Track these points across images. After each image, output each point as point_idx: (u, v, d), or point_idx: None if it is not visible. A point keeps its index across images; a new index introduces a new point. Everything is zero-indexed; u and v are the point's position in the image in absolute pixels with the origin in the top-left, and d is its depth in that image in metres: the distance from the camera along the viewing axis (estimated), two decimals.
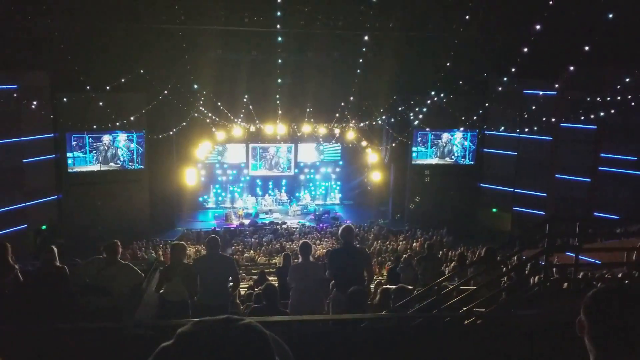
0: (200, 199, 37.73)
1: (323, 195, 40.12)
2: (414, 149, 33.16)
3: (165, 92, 26.76)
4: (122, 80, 24.99)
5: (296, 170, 39.10)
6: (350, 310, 7.28)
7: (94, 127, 27.53)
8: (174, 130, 29.13)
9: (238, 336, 1.33)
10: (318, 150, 38.85)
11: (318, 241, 28.02)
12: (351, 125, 32.35)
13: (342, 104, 29.60)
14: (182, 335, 1.35)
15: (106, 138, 29.46)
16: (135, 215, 30.03)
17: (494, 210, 33.00)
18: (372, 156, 35.06)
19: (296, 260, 10.00)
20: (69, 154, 28.77)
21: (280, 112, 30.26)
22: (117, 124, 27.65)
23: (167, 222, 31.85)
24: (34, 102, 25.09)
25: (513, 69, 23.81)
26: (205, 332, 1.34)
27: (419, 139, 33.10)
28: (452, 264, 21.82)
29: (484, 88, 30.31)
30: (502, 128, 30.84)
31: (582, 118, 28.07)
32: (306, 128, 32.44)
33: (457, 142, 33.46)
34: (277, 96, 28.75)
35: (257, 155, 37.95)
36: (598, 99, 26.77)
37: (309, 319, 7.01)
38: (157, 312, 8.93)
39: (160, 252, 25.11)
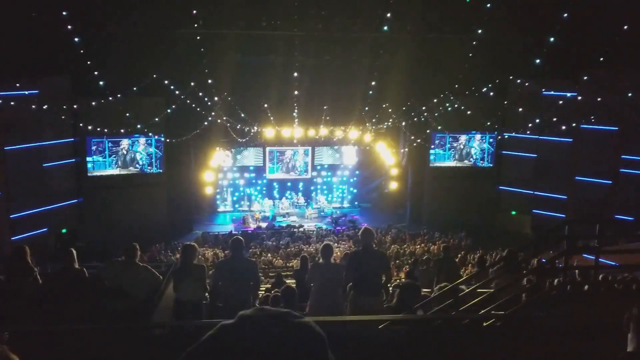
0: (218, 202, 37.91)
1: (340, 198, 40.22)
2: (432, 151, 33.00)
3: (183, 96, 26.94)
4: (141, 84, 25.22)
5: (313, 174, 39.16)
6: (400, 307, 7.38)
7: (114, 131, 27.83)
8: (192, 134, 29.33)
9: (297, 331, 1.35)
10: (335, 153, 38.91)
11: (335, 244, 27.97)
12: (368, 127, 32.32)
13: (360, 106, 29.56)
14: (243, 318, 1.37)
15: (125, 142, 29.72)
16: (153, 218, 30.22)
17: (513, 213, 32.68)
18: (390, 159, 34.94)
19: (316, 260, 10.09)
20: (88, 158, 29.07)
21: (297, 115, 30.31)
22: (137, 128, 27.91)
23: (185, 226, 32.02)
24: (55, 107, 25.41)
25: (532, 70, 23.60)
26: (267, 319, 1.36)
27: (437, 141, 32.93)
28: (471, 267, 21.72)
29: (502, 89, 30.07)
30: (521, 130, 30.56)
31: (603, 119, 27.72)
32: (323, 131, 32.46)
33: (475, 144, 33.22)
34: (295, 99, 28.80)
35: (274, 159, 38.05)
36: (619, 99, 26.41)
37: (329, 320, 7.00)
38: (172, 313, 8.99)
39: (179, 256, 25.31)
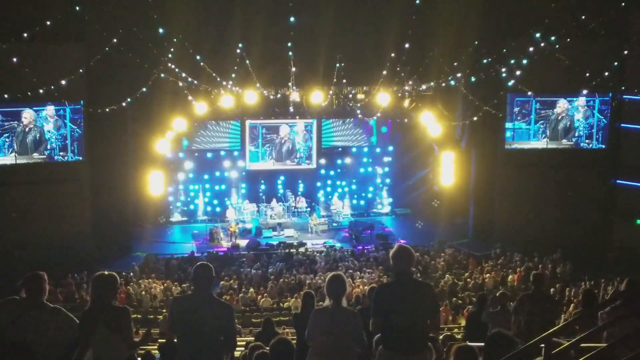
0: (172, 207, 37.68)
1: (363, 200, 39.88)
2: (509, 124, 32.76)
3: (115, 40, 26.86)
4: (48, 23, 25.13)
5: (321, 161, 38.97)
6: None
7: (6, 96, 27.77)
8: (129, 100, 29.20)
9: None
10: (354, 130, 38.87)
11: (356, 273, 27.91)
12: (406, 88, 32.13)
13: (392, 54, 29.44)
14: None
15: (26, 114, 29.53)
16: (72, 232, 30.11)
17: (639, 222, 32.62)
18: (441, 138, 34.82)
19: (321, 303, 9.97)
20: None
21: (294, 70, 30.20)
22: (41, 91, 27.80)
23: (120, 244, 31.88)
24: None
25: None
26: None
27: (517, 109, 32.69)
28: (573, 307, 21.60)
29: (620, 29, 29.83)
30: None
31: None
32: (335, 95, 32.23)
33: (578, 113, 33.09)
34: (291, 47, 28.69)
35: (258, 139, 37.96)
36: None
37: None
38: None
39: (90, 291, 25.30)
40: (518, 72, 29.50)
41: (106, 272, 8.99)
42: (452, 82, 31.06)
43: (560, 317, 17.59)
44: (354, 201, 40.00)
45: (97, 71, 27.98)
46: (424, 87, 31.85)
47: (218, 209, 38.42)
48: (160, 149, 33.04)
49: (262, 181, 38.71)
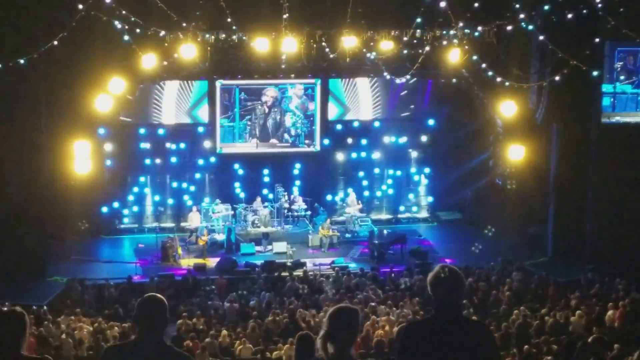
0: (106, 208, 37.86)
1: (391, 200, 40.29)
2: (608, 87, 32.76)
3: None
4: None
5: (325, 141, 39.24)
6: None
7: None
8: (41, 50, 29.16)
9: None
10: (376, 95, 39.01)
11: (381, 308, 27.86)
12: (454, 33, 32.15)
13: None
14: None
15: None
16: None
17: None
18: (507, 107, 34.74)
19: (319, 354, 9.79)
20: None
21: (287, 4, 30.17)
22: None
23: (29, 265, 32.00)
24: None
25: None
26: None
27: (619, 65, 32.77)
28: None
29: None
30: None
31: None
32: (349, 42, 32.19)
33: None
34: None
35: (233, 108, 38.22)
36: None
37: None
38: None
39: None
40: (622, 9, 29.41)
41: (6, 308, 8.96)
42: (523, 25, 31.03)
43: None
44: (377, 202, 40.10)
45: None
46: (479, 31, 31.76)
47: (173, 212, 38.53)
48: (101, 107, 32.76)
49: (240, 171, 38.88)
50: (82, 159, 33.31)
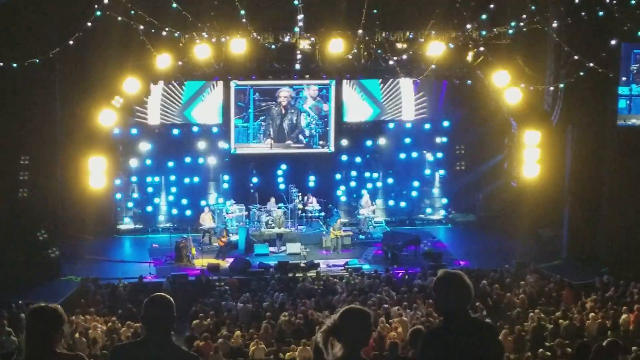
0: (120, 208, 37.98)
1: (405, 201, 40.27)
2: (622, 90, 32.67)
3: None
4: None
5: (341, 144, 39.09)
6: None
7: None
8: (55, 51, 29.15)
9: None
10: (390, 96, 38.97)
11: (394, 309, 27.78)
12: (469, 34, 32.10)
13: None
14: None
15: None
16: None
17: None
18: (522, 109, 34.65)
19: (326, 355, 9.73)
20: None
21: (301, 5, 30.15)
22: None
23: (44, 263, 31.92)
24: None
25: None
26: None
27: (635, 67, 32.62)
28: None
29: None
30: None
31: None
32: (364, 43, 32.13)
33: None
34: None
35: (248, 109, 38.24)
36: None
37: None
38: None
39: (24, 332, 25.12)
40: (638, 11, 29.34)
41: (45, 304, 8.99)
42: (539, 27, 30.99)
43: None
44: (391, 202, 40.34)
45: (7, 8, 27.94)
46: (494, 32, 31.72)
47: (188, 213, 38.70)
48: (105, 122, 32.79)
49: (254, 171, 38.92)
50: (97, 174, 33.34)
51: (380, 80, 38.48)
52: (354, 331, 8.42)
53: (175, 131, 38.43)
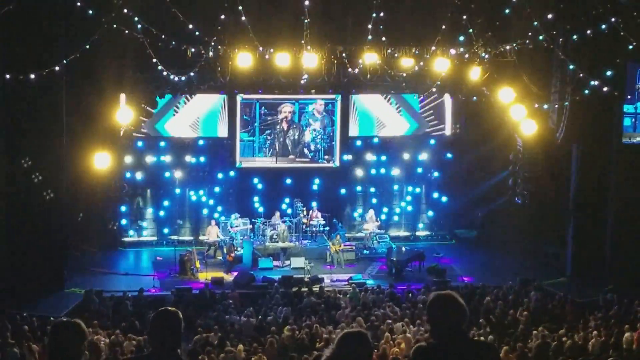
0: (124, 220, 38.04)
1: (410, 216, 40.23)
2: (628, 108, 32.72)
3: None
4: None
5: (347, 157, 39.18)
6: None
7: None
8: (63, 63, 29.23)
9: None
10: (396, 112, 39.04)
11: (397, 326, 27.75)
12: (476, 51, 32.15)
13: (457, 0, 29.43)
14: None
15: None
16: None
17: None
18: (526, 125, 34.67)
19: None
20: None
21: (307, 20, 30.21)
22: None
23: (46, 274, 31.88)
24: None
25: None
26: None
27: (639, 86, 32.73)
28: None
29: None
30: None
31: None
32: (370, 59, 32.29)
33: None
34: None
35: (254, 123, 38.27)
36: None
37: None
38: None
39: (32, 346, 25.15)
40: None
41: (67, 319, 9.02)
42: (544, 44, 31.03)
43: None
44: (396, 217, 40.14)
45: (15, 20, 28.04)
46: (500, 49, 31.76)
47: (191, 226, 38.74)
48: (122, 119, 32.92)
49: (259, 186, 38.87)
50: (100, 171, 33.29)
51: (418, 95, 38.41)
52: (353, 357, 8.45)
53: (182, 144, 38.23)
